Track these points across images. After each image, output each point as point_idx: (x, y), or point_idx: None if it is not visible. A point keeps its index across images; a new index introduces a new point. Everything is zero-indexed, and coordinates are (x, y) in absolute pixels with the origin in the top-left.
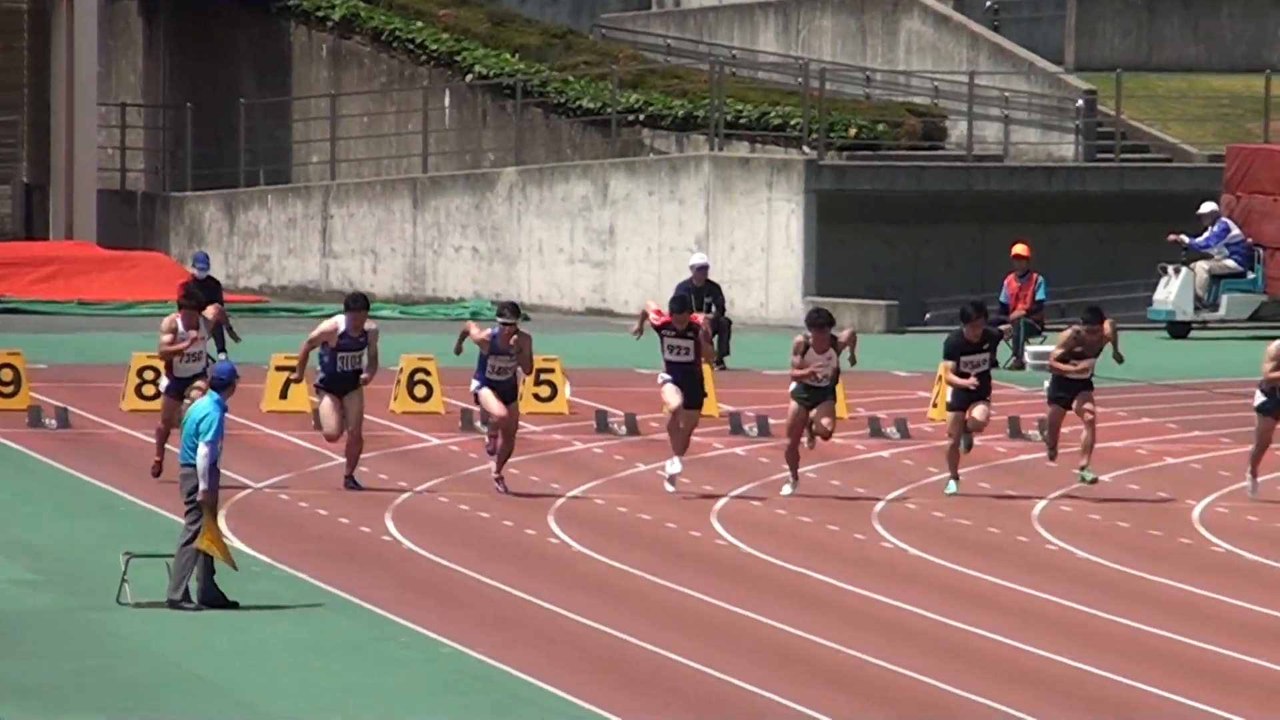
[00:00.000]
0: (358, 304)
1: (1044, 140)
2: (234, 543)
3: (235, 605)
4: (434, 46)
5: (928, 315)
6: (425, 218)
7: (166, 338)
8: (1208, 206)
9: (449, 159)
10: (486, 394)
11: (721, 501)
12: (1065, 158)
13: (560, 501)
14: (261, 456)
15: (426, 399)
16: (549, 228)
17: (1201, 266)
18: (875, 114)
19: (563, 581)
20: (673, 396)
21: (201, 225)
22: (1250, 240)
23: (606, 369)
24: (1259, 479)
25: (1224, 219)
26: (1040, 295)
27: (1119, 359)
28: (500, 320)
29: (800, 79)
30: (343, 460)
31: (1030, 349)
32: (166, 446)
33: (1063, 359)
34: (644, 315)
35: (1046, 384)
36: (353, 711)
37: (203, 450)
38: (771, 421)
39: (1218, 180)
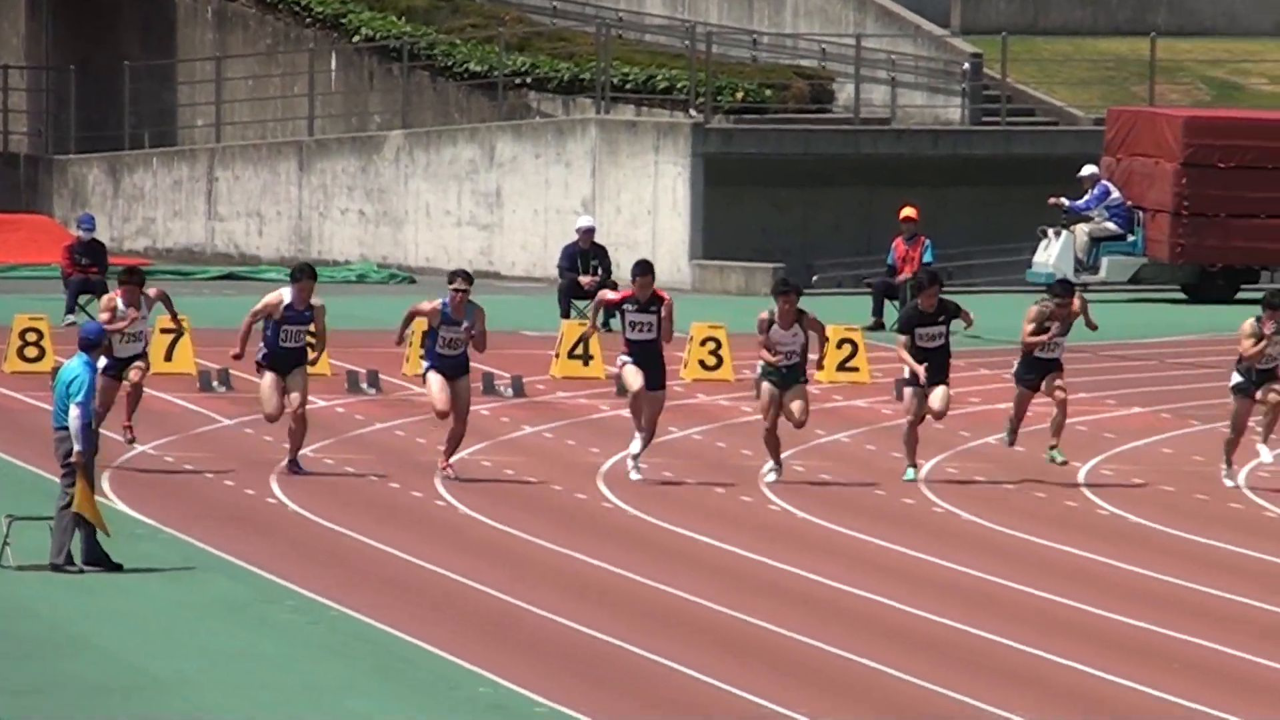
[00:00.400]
0: (304, 274)
1: (931, 103)
2: (118, 506)
3: (119, 568)
4: (319, 9)
5: (815, 278)
6: (311, 180)
7: (104, 316)
8: (1088, 169)
9: (335, 122)
10: (433, 381)
11: (608, 464)
12: (952, 121)
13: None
14: (149, 419)
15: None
16: (436, 190)
17: (1082, 229)
18: (762, 77)
19: (450, 544)
20: (634, 379)
21: (85, 188)
22: (1130, 203)
23: (493, 332)
24: (1235, 466)
25: (1104, 182)
26: (928, 258)
27: (1093, 327)
28: (451, 287)
29: (687, 42)
30: (228, 422)
31: None
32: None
33: (1035, 334)
34: (598, 306)
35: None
36: (236, 673)
37: (74, 412)
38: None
39: (1102, 143)
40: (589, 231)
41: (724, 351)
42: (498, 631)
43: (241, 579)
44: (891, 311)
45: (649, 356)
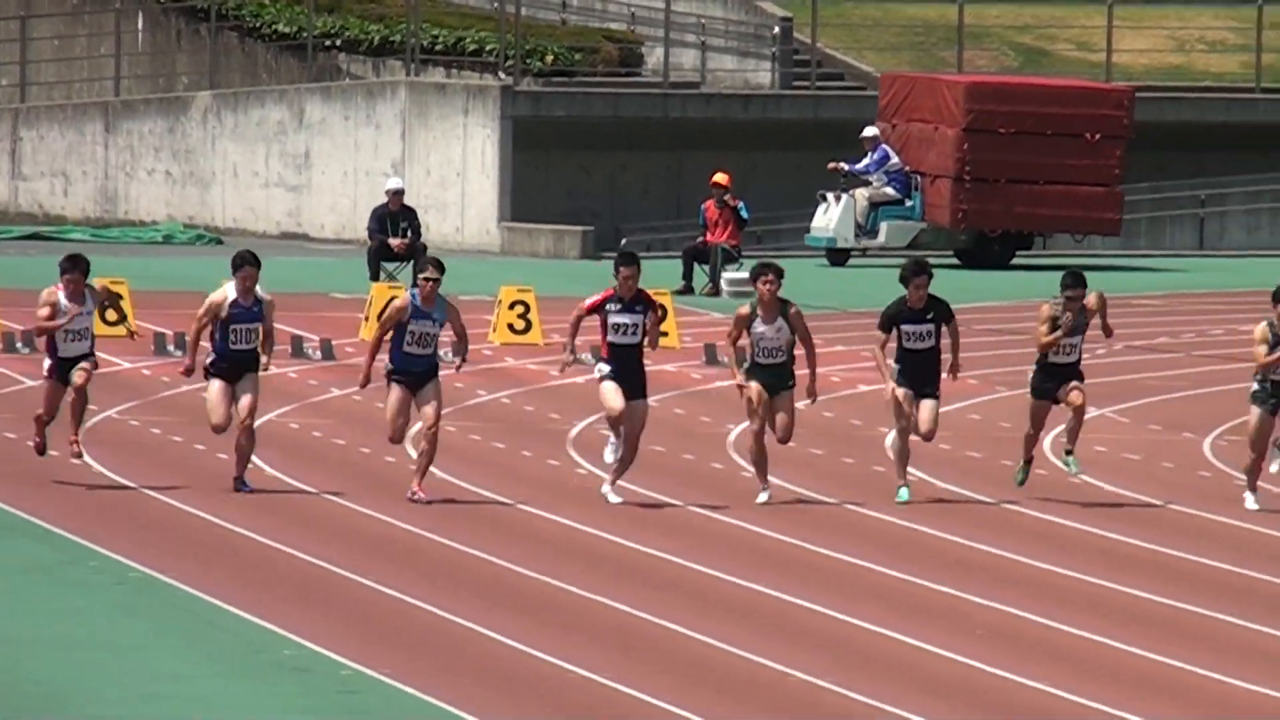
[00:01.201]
0: (245, 261)
1: (740, 68)
2: None
3: None
4: None
5: (624, 241)
6: (118, 141)
7: (44, 311)
8: (869, 130)
9: (142, 83)
10: (395, 395)
11: (415, 426)
12: (762, 85)
13: (255, 425)
14: None
15: (118, 323)
16: (244, 152)
17: (861, 193)
18: (572, 40)
19: (258, 507)
20: (613, 399)
21: None
22: (909, 168)
23: (302, 294)
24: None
25: (884, 145)
26: (745, 215)
27: (1109, 332)
28: (422, 276)
29: (496, 4)
30: (31, 383)
31: (727, 275)
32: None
33: (1049, 334)
34: (576, 324)
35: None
36: (37, 632)
37: None
38: (471, 346)
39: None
40: (398, 193)
41: (533, 315)
42: (309, 594)
43: (46, 540)
44: (700, 275)
45: (631, 363)
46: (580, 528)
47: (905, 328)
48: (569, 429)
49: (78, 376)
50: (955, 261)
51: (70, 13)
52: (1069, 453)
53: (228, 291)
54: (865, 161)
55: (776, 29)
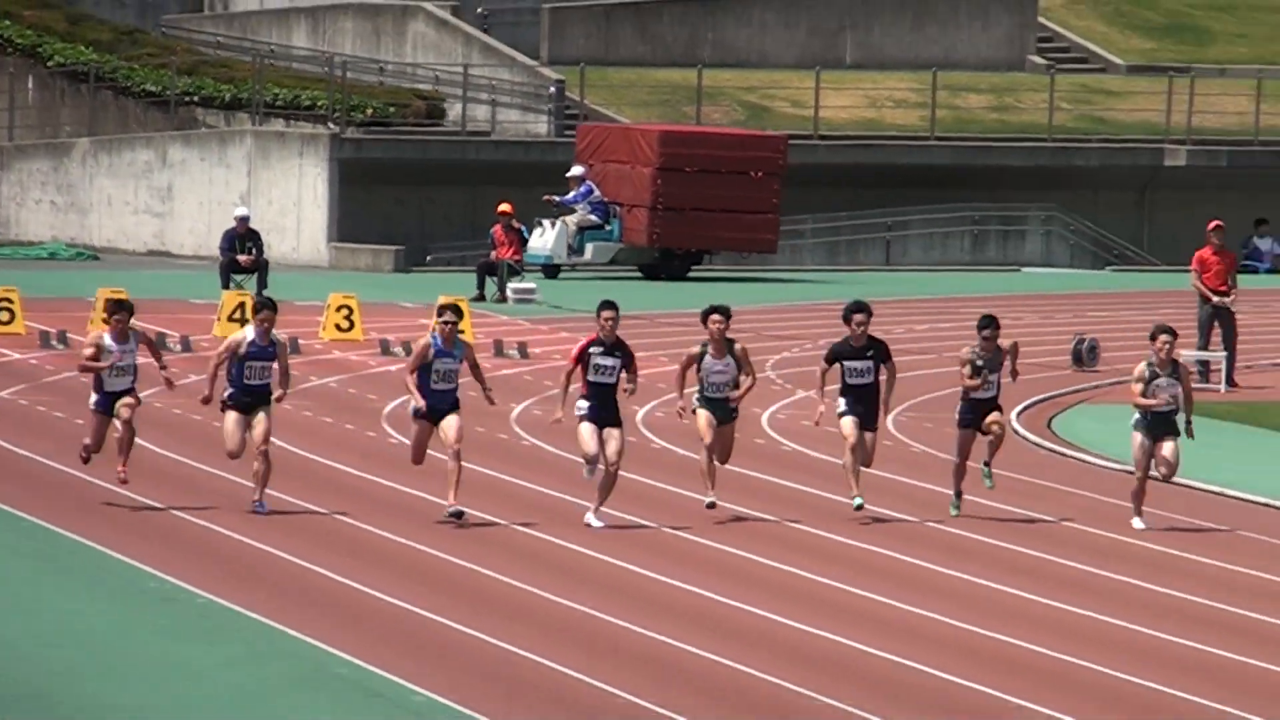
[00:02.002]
0: (265, 307)
1: (523, 119)
2: None
3: None
4: (19, 41)
5: (429, 258)
6: (10, 177)
7: (89, 351)
8: (575, 170)
9: (31, 131)
10: (417, 429)
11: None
12: (539, 134)
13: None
14: None
15: (10, 323)
16: (117, 186)
17: (570, 220)
18: (387, 98)
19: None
20: (589, 442)
21: None
22: (608, 199)
23: (166, 299)
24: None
25: (588, 181)
26: (525, 236)
27: (1014, 375)
28: (440, 320)
29: (326, 69)
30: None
31: (512, 285)
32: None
33: (972, 376)
34: (568, 382)
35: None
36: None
37: None
38: (301, 342)
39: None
40: (244, 219)
41: (355, 317)
42: (162, 534)
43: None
44: (490, 286)
45: (608, 400)
46: (386, 483)
47: (847, 364)
48: (383, 407)
49: (123, 411)
50: (638, 275)
51: None
52: (986, 464)
53: (246, 333)
54: (572, 194)
55: (552, 88)
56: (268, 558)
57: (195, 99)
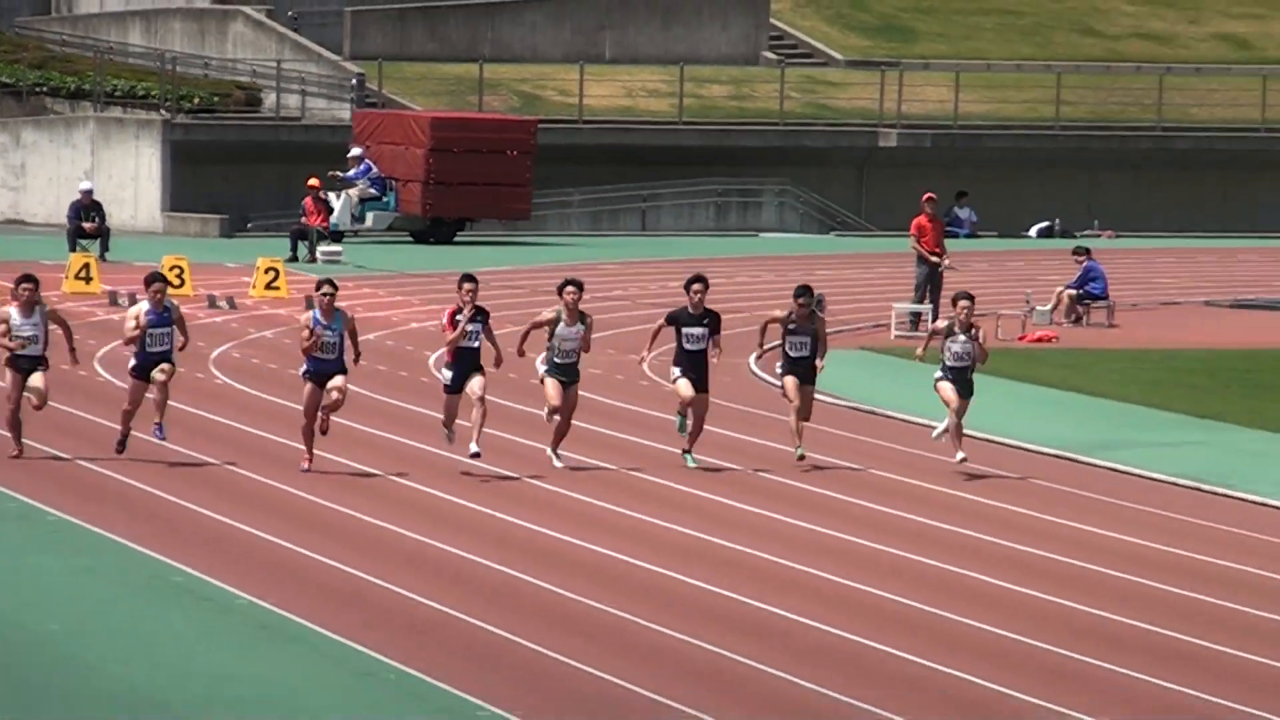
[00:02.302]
0: (155, 278)
1: (329, 107)
2: None
3: None
4: None
5: (249, 225)
6: None
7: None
8: (355, 150)
9: None
10: (306, 389)
11: (104, 349)
12: (344, 119)
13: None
14: None
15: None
16: None
17: (353, 192)
18: (212, 89)
19: None
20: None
21: None
22: (385, 175)
23: (20, 261)
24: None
25: (367, 160)
26: (332, 206)
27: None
28: (320, 293)
29: (158, 64)
30: None
31: (321, 248)
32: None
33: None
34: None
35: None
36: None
37: None
38: (139, 297)
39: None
40: (88, 192)
41: (186, 275)
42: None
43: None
44: (302, 249)
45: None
46: (218, 420)
47: (685, 330)
48: (210, 353)
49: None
50: (410, 240)
51: None
52: (798, 440)
53: (142, 306)
54: (353, 172)
55: (354, 80)
56: (123, 485)
57: (44, 89)
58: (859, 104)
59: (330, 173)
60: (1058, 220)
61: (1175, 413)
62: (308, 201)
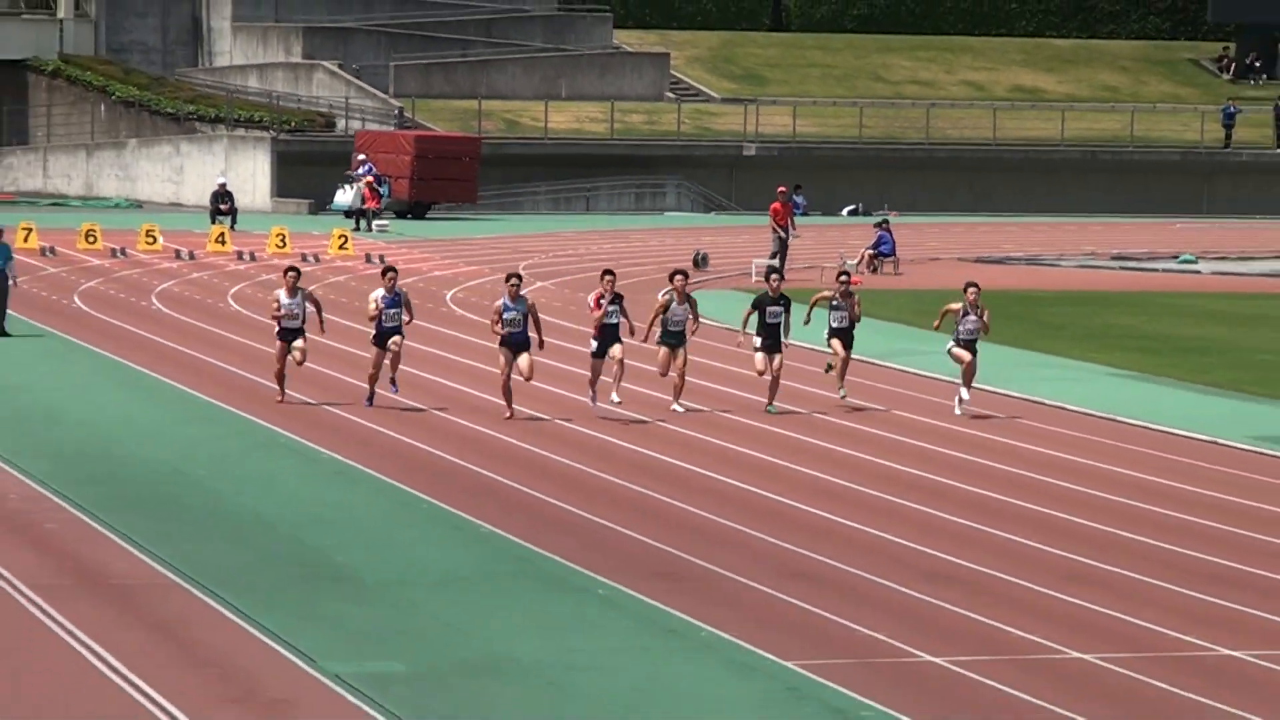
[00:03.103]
0: (389, 270)
1: (381, 129)
2: None
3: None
4: (95, 82)
5: (327, 206)
6: (93, 162)
7: (274, 304)
8: (360, 156)
9: (104, 135)
10: (502, 358)
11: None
12: None
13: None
14: None
15: (154, 244)
16: (152, 165)
17: (361, 184)
18: (303, 116)
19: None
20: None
21: None
22: (381, 173)
23: (180, 229)
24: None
25: (369, 162)
26: (385, 194)
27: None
28: (507, 283)
29: (269, 99)
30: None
31: (376, 223)
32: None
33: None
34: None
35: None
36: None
37: None
38: (256, 254)
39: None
40: (223, 184)
41: (287, 239)
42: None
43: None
44: (362, 223)
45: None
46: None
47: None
48: (156, 287)
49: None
50: (396, 216)
51: None
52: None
53: (378, 291)
54: (360, 170)
55: (397, 111)
56: (354, 424)
57: (195, 116)
58: (730, 127)
59: (346, 172)
60: (861, 204)
61: (943, 332)
62: (365, 190)
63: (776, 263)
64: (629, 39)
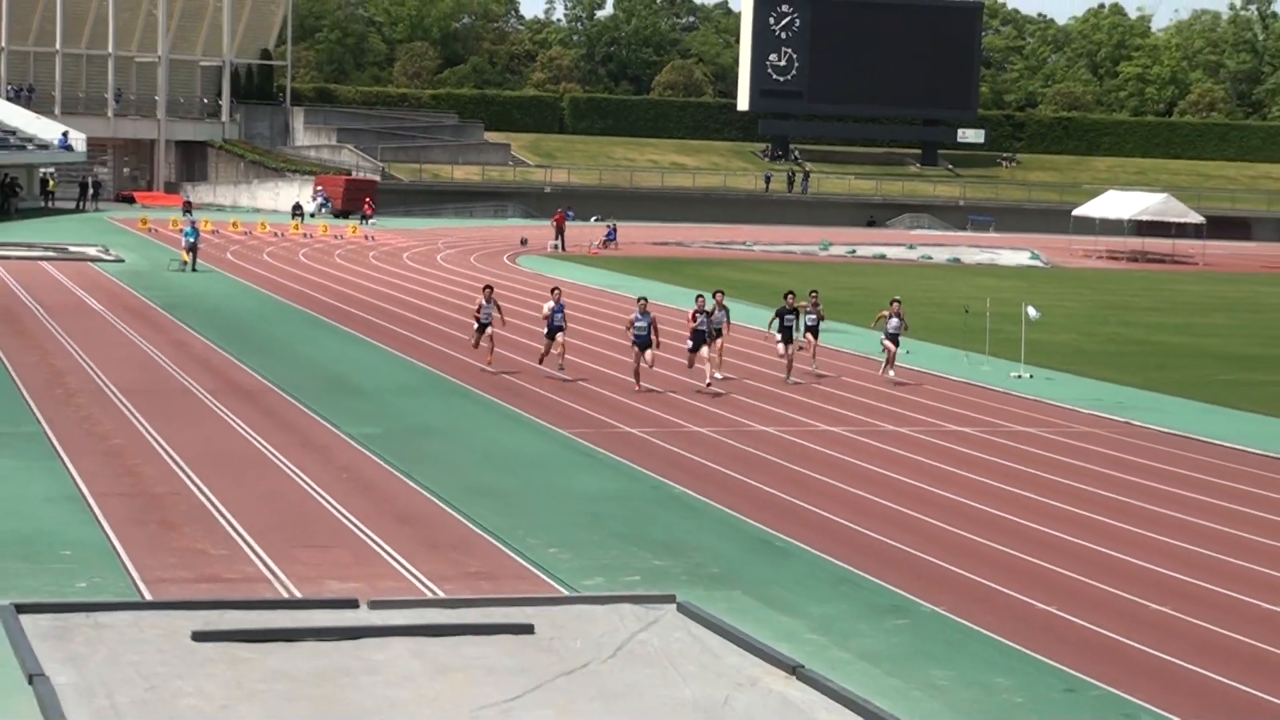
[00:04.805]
0: (554, 290)
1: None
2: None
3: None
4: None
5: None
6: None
7: (475, 307)
8: (319, 188)
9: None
10: (635, 354)
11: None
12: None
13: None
14: None
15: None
16: (267, 194)
17: (317, 199)
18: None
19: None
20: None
21: None
22: (328, 195)
23: (277, 220)
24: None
25: (322, 190)
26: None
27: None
28: (639, 300)
29: (312, 159)
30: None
31: (371, 221)
32: None
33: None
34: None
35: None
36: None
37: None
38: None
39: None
40: (298, 202)
41: (324, 228)
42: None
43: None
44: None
45: (702, 337)
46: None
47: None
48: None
49: (487, 341)
50: (334, 217)
51: None
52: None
53: (548, 306)
54: (318, 194)
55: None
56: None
57: (284, 169)
58: (538, 178)
59: (311, 192)
60: (601, 215)
61: (647, 278)
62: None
63: (557, 241)
64: (492, 136)
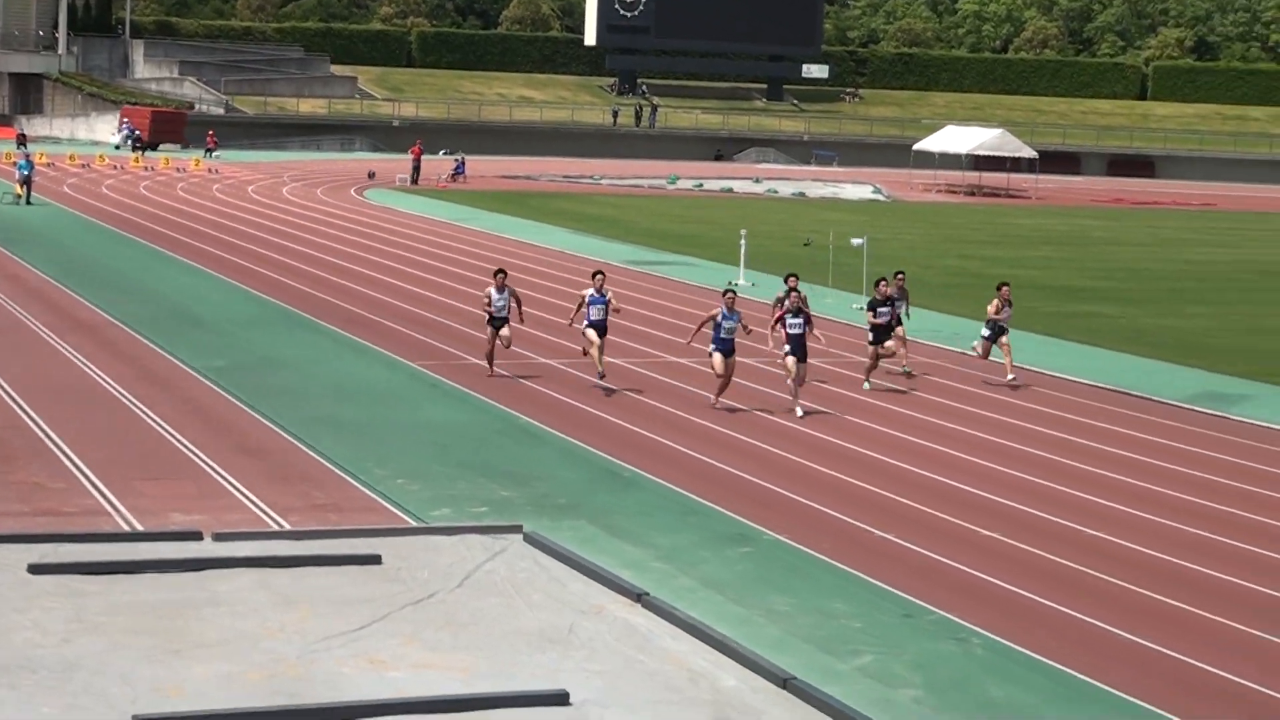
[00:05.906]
0: (598, 273)
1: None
2: None
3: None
4: None
5: None
6: None
7: (485, 298)
8: (125, 120)
9: None
10: (716, 360)
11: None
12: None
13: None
14: None
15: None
16: (106, 126)
17: (125, 131)
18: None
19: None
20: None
21: None
22: (135, 127)
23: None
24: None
25: (128, 122)
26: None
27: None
28: (724, 294)
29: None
30: None
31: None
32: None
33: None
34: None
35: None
36: None
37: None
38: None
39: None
40: (126, 133)
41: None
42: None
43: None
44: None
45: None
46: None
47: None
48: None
49: (504, 333)
50: (140, 148)
51: None
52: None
53: (586, 294)
54: (125, 126)
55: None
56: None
57: (123, 102)
58: (386, 111)
59: (118, 124)
60: (449, 149)
61: (495, 211)
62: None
63: (456, 172)
64: (339, 69)
